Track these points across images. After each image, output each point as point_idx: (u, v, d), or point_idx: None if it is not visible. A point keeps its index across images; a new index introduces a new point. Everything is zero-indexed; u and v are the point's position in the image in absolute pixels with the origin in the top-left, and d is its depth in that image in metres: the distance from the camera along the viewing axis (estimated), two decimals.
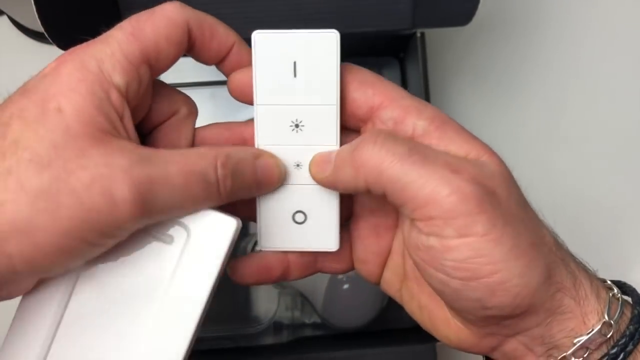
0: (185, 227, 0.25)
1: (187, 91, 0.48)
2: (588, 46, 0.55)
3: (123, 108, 0.24)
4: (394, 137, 0.24)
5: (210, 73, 0.46)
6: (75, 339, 0.24)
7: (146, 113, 0.27)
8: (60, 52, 0.39)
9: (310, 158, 0.27)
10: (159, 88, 0.28)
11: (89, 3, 0.40)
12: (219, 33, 0.27)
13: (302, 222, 0.28)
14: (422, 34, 0.43)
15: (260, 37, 0.26)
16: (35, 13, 0.36)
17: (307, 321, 0.47)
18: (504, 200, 0.24)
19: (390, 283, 0.29)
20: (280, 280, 0.30)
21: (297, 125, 0.27)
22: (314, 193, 0.27)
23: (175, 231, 0.25)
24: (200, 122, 0.48)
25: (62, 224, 0.21)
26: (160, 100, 0.28)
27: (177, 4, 0.25)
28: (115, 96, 0.23)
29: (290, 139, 0.27)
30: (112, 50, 0.24)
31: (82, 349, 0.24)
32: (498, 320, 0.24)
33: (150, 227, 0.24)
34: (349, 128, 0.27)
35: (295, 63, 0.26)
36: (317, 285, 0.44)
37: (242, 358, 0.43)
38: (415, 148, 0.24)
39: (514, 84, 0.54)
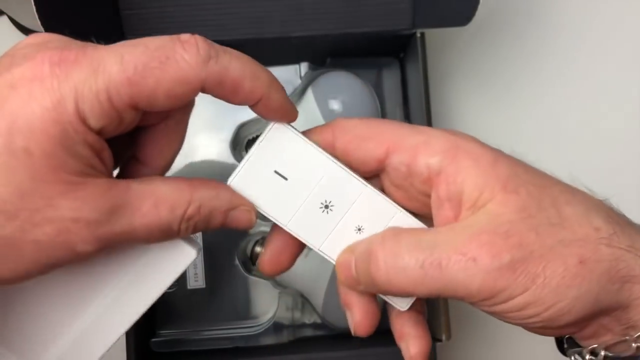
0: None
1: None
2: (588, 46, 0.55)
3: (101, 145, 0.22)
4: (401, 257, 0.25)
5: None
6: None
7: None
8: None
9: (362, 216, 0.27)
10: None
11: (89, 3, 0.40)
12: (244, 89, 0.25)
13: None
14: (422, 34, 0.43)
15: (237, 182, 0.27)
16: (35, 13, 0.36)
17: (307, 321, 0.47)
18: (535, 241, 0.24)
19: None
20: None
21: (326, 207, 0.27)
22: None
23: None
24: (200, 122, 0.48)
25: (23, 267, 0.21)
26: None
27: (199, 56, 0.23)
28: (91, 137, 0.22)
29: (333, 219, 0.27)
30: (98, 88, 0.21)
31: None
32: (575, 326, 0.25)
33: None
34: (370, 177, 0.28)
35: (276, 171, 0.27)
36: (317, 285, 0.44)
37: (242, 358, 0.43)
38: (425, 262, 0.24)
39: (514, 84, 0.54)
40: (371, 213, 0.27)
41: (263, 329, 0.46)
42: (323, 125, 0.28)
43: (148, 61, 0.22)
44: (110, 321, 0.26)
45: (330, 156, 0.27)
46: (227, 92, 0.25)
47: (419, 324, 0.29)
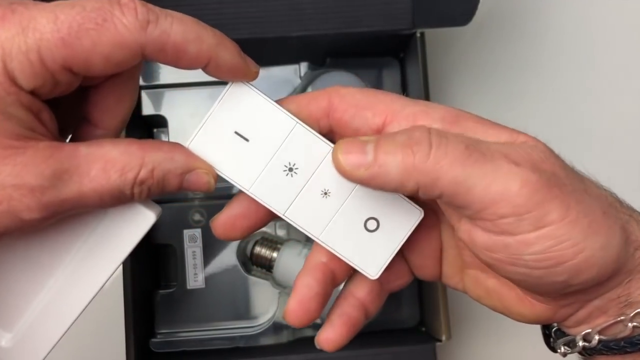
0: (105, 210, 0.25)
1: (186, 91, 0.49)
2: (588, 45, 0.55)
3: (38, 106, 0.21)
4: (445, 134, 0.23)
5: None
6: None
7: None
8: None
9: (328, 179, 0.25)
10: None
11: None
12: (188, 54, 0.23)
13: (378, 227, 0.26)
14: (422, 34, 0.43)
15: (195, 144, 0.25)
16: None
17: None
18: (565, 177, 0.23)
19: (450, 276, 0.28)
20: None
21: (290, 170, 0.26)
22: (360, 198, 0.26)
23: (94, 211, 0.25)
24: (199, 122, 0.48)
25: None
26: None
27: (137, 20, 0.21)
28: (25, 98, 0.21)
29: (298, 183, 0.26)
30: (28, 47, 0.20)
31: None
32: (581, 292, 0.24)
33: None
34: None
35: (237, 132, 0.25)
36: None
37: (241, 358, 0.43)
38: (471, 145, 0.22)
39: (514, 84, 0.54)
40: (338, 177, 0.25)
41: (263, 329, 0.46)
42: (318, 91, 0.26)
43: (84, 22, 0.20)
44: (75, 289, 0.25)
45: (293, 116, 0.25)
46: (170, 58, 0.23)
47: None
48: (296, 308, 0.26)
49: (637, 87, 0.54)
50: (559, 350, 0.27)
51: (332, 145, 0.25)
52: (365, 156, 0.23)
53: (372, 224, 0.26)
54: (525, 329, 0.47)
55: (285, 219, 0.26)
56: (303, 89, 0.47)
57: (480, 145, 0.23)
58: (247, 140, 0.25)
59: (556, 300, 0.25)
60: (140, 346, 0.43)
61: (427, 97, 0.42)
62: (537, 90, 0.54)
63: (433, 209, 0.27)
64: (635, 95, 0.54)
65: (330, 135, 0.26)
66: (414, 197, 0.25)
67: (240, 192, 0.26)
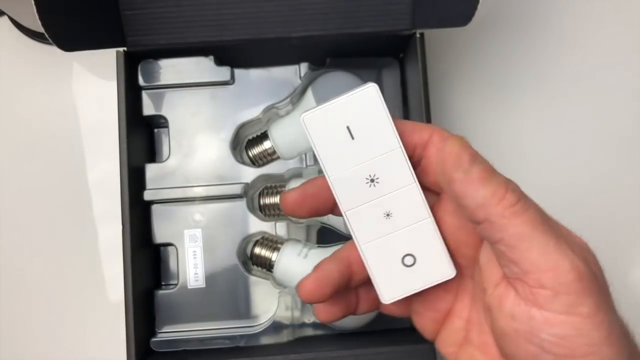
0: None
1: (187, 91, 0.49)
2: (588, 46, 0.55)
3: None
4: (532, 204, 0.25)
5: (210, 73, 0.46)
6: None
7: None
8: (60, 52, 0.39)
9: (397, 206, 0.28)
10: None
11: (89, 3, 0.40)
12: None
13: (413, 264, 0.28)
14: (422, 35, 0.43)
15: (309, 118, 0.28)
16: (35, 13, 0.36)
17: (306, 321, 0.47)
18: (603, 286, 0.24)
19: (447, 344, 0.30)
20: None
21: (372, 180, 0.28)
22: (413, 233, 0.28)
23: None
24: (199, 122, 0.49)
25: None
26: None
27: None
28: None
29: (371, 194, 0.28)
30: None
31: None
32: None
33: None
34: (431, 191, 0.28)
35: (348, 127, 0.27)
36: None
37: (241, 357, 0.43)
38: (547, 218, 0.25)
39: (513, 85, 0.54)
40: (406, 207, 0.28)
41: (263, 329, 0.46)
42: (425, 125, 0.28)
43: None
44: None
45: (400, 141, 0.27)
46: None
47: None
48: (312, 283, 0.28)
49: (638, 87, 0.54)
50: None
51: (416, 181, 0.28)
52: (472, 163, 0.25)
53: (409, 260, 0.28)
54: None
55: (345, 216, 0.28)
56: (303, 90, 0.47)
57: (552, 222, 0.25)
58: (352, 138, 0.28)
59: None
60: (141, 345, 0.43)
61: (426, 97, 0.42)
62: (537, 91, 0.54)
63: (461, 274, 0.29)
64: (635, 96, 0.54)
65: (417, 165, 0.28)
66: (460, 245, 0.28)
67: (317, 177, 0.29)
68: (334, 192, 0.28)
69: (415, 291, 0.29)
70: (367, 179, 0.28)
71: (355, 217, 0.28)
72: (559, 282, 0.23)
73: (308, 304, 0.29)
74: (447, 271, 0.28)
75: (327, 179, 0.28)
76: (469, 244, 0.28)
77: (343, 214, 0.28)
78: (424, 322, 0.30)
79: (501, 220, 0.24)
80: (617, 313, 0.25)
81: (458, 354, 0.29)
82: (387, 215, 0.28)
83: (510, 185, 0.25)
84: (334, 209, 0.29)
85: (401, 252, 0.28)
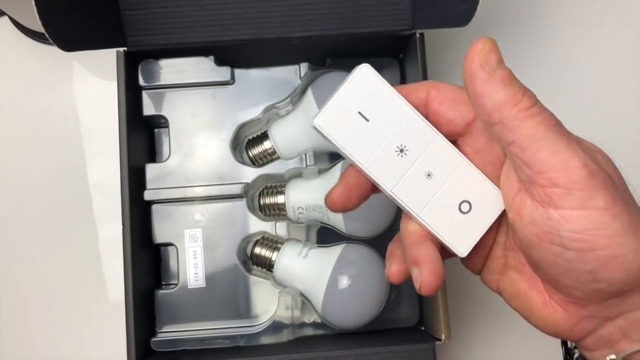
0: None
1: (187, 91, 0.49)
2: (588, 46, 0.55)
3: None
4: (546, 110, 0.26)
5: (211, 73, 0.46)
6: None
7: None
8: (60, 52, 0.39)
9: (432, 163, 0.28)
10: None
11: (90, 3, 0.41)
12: None
13: (470, 210, 0.29)
14: (422, 35, 0.43)
15: (321, 121, 0.28)
16: (36, 13, 0.36)
17: (306, 320, 0.47)
18: (619, 184, 0.25)
19: (491, 272, 0.30)
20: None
21: (401, 151, 0.28)
22: (457, 180, 0.29)
23: None
24: (200, 122, 0.49)
25: None
26: None
27: None
28: None
29: (406, 163, 0.28)
30: None
31: None
32: (604, 298, 0.25)
33: None
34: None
35: (360, 112, 0.28)
36: (317, 285, 0.44)
37: (242, 357, 0.43)
38: (559, 122, 0.26)
39: None
40: (441, 161, 0.28)
41: (263, 328, 0.46)
42: (418, 83, 0.29)
43: None
44: None
45: (408, 103, 0.28)
46: None
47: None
48: (431, 275, 0.28)
49: (638, 88, 0.54)
50: None
51: (438, 133, 0.28)
52: (498, 65, 0.26)
53: (465, 207, 0.29)
54: (525, 329, 0.47)
55: (391, 194, 0.28)
56: (303, 90, 0.47)
57: (564, 128, 0.26)
58: (367, 120, 0.28)
59: (579, 307, 0.26)
60: (141, 345, 0.43)
61: None
62: (537, 91, 0.54)
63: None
64: (636, 96, 0.54)
65: None
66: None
67: (349, 166, 0.29)
68: (372, 178, 0.28)
69: (484, 231, 0.29)
70: (396, 151, 0.28)
71: (402, 192, 0.28)
72: (570, 179, 0.24)
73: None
74: (500, 203, 0.29)
75: (362, 169, 0.28)
76: (495, 177, 0.29)
77: (389, 193, 0.28)
78: (475, 261, 0.31)
79: (514, 122, 0.25)
80: (637, 203, 0.25)
81: (500, 281, 0.30)
82: (428, 175, 0.28)
83: (527, 92, 0.26)
84: (375, 190, 0.29)
85: (456, 203, 0.29)
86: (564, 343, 0.29)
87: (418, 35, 0.43)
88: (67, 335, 0.50)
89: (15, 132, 0.52)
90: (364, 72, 0.28)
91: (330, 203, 0.29)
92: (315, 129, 0.28)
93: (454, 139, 0.29)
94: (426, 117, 0.29)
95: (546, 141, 0.24)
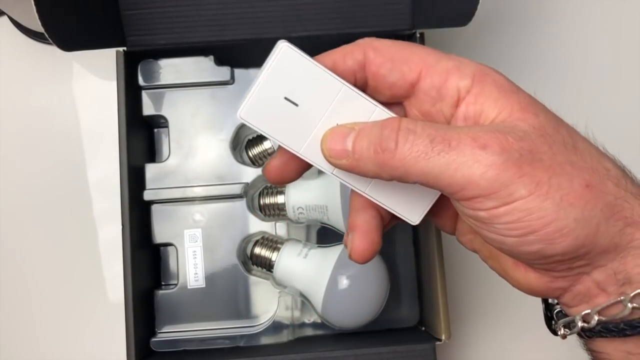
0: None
1: (187, 91, 0.49)
2: (589, 46, 0.55)
3: None
4: (412, 130, 0.24)
5: (211, 73, 0.46)
6: None
7: None
8: (60, 52, 0.39)
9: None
10: None
11: (89, 3, 0.40)
12: None
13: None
14: (422, 34, 0.43)
15: (245, 113, 0.26)
16: (35, 13, 0.36)
17: (306, 321, 0.47)
18: (545, 152, 0.23)
19: (463, 234, 0.30)
20: None
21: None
22: None
23: None
24: (199, 122, 0.48)
25: None
26: None
27: None
28: None
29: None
30: None
31: None
32: (565, 264, 0.24)
33: None
34: (392, 104, 0.27)
35: (286, 98, 0.26)
36: (317, 285, 0.44)
37: (241, 357, 0.43)
38: (438, 136, 0.23)
39: None
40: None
41: (263, 329, 0.46)
42: (353, 45, 0.27)
43: None
44: None
45: (339, 78, 0.26)
46: None
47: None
48: (362, 241, 0.27)
49: (638, 88, 0.54)
50: (559, 332, 0.27)
51: (378, 104, 0.26)
52: (346, 149, 0.25)
53: None
54: (525, 329, 0.47)
55: (334, 176, 0.27)
56: None
57: (449, 133, 0.23)
58: (296, 105, 0.26)
59: (547, 271, 0.25)
60: (141, 345, 0.43)
61: None
62: (537, 91, 0.54)
63: None
64: (636, 96, 0.54)
65: (366, 87, 0.27)
66: None
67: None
68: (312, 163, 0.27)
69: (435, 198, 0.28)
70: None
71: (344, 173, 0.27)
72: (479, 188, 0.23)
73: (366, 262, 0.28)
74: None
75: (298, 154, 0.26)
76: None
77: (331, 174, 0.27)
78: (443, 222, 0.30)
79: (397, 172, 0.24)
80: (584, 162, 0.24)
81: (474, 241, 0.30)
82: None
83: (382, 137, 0.24)
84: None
85: None
86: (544, 299, 0.29)
87: (418, 35, 0.43)
88: (67, 335, 0.50)
89: (14, 132, 0.52)
90: (285, 52, 0.25)
91: (268, 175, 0.28)
92: (241, 120, 0.26)
93: (398, 102, 0.27)
94: (365, 80, 0.27)
95: (436, 170, 0.23)
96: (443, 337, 0.41)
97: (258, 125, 0.26)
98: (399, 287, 0.48)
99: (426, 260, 0.45)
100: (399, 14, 0.43)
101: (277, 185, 0.48)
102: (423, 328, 0.47)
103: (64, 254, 0.51)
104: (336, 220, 0.46)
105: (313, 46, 0.45)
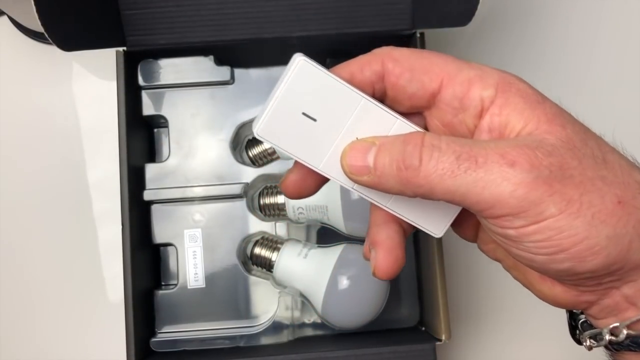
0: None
1: (187, 91, 0.49)
2: (589, 46, 0.55)
3: None
4: (437, 146, 0.23)
5: (211, 73, 0.46)
6: None
7: None
8: (60, 52, 0.39)
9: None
10: None
11: (89, 3, 0.40)
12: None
13: None
14: (422, 34, 0.43)
15: (262, 130, 0.25)
16: (35, 13, 0.36)
17: (306, 321, 0.47)
18: (575, 167, 0.23)
19: (485, 242, 0.29)
20: None
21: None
22: None
23: None
24: (199, 122, 0.48)
25: None
26: None
27: None
28: None
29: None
30: None
31: None
32: (595, 280, 0.24)
33: None
34: (412, 114, 0.26)
35: (304, 113, 0.25)
36: (317, 285, 0.44)
37: (241, 358, 0.43)
38: (464, 153, 0.23)
39: None
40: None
41: (263, 329, 0.46)
42: (370, 55, 0.26)
43: None
44: None
45: (358, 90, 0.25)
46: None
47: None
48: (387, 259, 0.27)
49: (638, 87, 0.54)
50: (584, 343, 0.27)
51: (398, 116, 0.25)
52: (367, 165, 0.24)
53: None
54: (525, 329, 0.47)
55: (355, 191, 0.26)
56: None
57: (475, 149, 0.23)
58: (314, 120, 0.25)
59: (574, 285, 0.25)
60: (141, 345, 0.43)
61: None
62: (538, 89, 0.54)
63: None
64: (636, 96, 0.54)
65: (385, 98, 0.26)
66: None
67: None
68: (332, 179, 0.26)
69: (456, 213, 0.27)
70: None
71: (364, 188, 0.26)
72: (509, 207, 0.22)
73: (391, 278, 0.27)
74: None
75: (318, 170, 0.26)
76: None
77: (351, 189, 0.26)
78: (465, 231, 0.29)
79: (422, 190, 0.23)
80: (615, 176, 0.23)
81: (496, 250, 0.29)
82: None
83: (406, 153, 0.24)
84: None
85: None
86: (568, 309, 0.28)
87: (418, 35, 0.43)
88: (67, 335, 0.50)
89: (14, 132, 0.52)
90: (302, 66, 0.25)
91: (285, 190, 0.27)
92: (259, 138, 0.25)
93: (418, 112, 0.27)
94: (383, 91, 0.26)
95: (463, 188, 0.22)
96: (443, 337, 0.41)
97: (276, 142, 0.25)
98: (399, 287, 0.48)
99: (426, 260, 0.45)
100: (399, 14, 0.43)
101: (278, 185, 0.48)
102: (423, 328, 0.47)
103: (64, 254, 0.51)
104: (336, 220, 0.46)
105: (313, 46, 0.46)
